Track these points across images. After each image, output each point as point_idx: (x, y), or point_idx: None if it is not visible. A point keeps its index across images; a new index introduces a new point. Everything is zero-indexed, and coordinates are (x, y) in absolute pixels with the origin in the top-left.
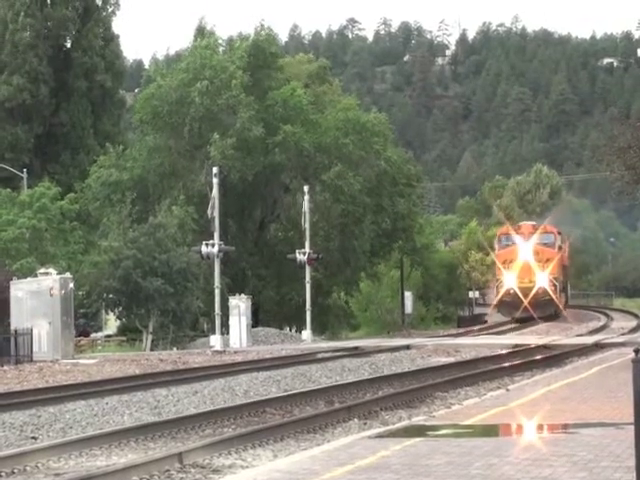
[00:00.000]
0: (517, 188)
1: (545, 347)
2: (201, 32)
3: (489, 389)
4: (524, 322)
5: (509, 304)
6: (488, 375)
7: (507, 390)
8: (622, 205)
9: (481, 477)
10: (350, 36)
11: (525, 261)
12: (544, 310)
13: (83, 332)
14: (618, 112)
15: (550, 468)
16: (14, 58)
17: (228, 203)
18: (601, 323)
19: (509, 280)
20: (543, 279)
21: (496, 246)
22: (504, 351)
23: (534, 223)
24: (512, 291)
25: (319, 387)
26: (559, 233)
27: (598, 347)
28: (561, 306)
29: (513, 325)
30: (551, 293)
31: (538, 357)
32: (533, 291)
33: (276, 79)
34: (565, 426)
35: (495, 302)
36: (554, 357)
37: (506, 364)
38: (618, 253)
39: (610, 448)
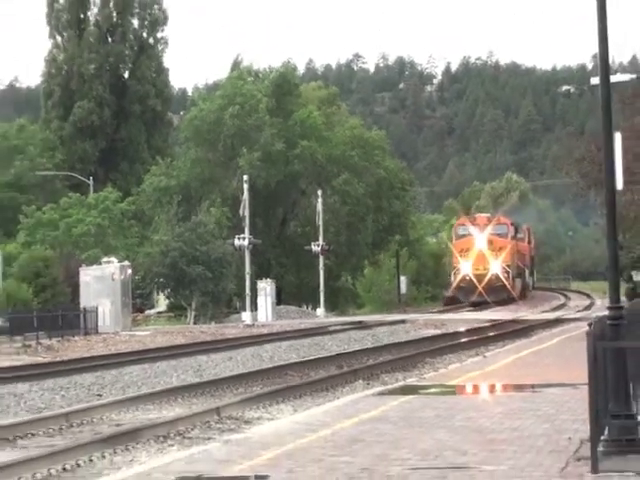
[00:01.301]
0: (492, 192)
1: (514, 321)
2: (237, 65)
3: (469, 356)
4: (478, 305)
5: (465, 289)
6: (468, 344)
7: (484, 357)
8: (578, 205)
9: (463, 427)
10: (355, 68)
11: (480, 250)
12: (497, 295)
13: (139, 309)
14: (574, 130)
15: (519, 420)
16: (82, 86)
17: (256, 204)
18: (561, 302)
19: (465, 267)
20: (496, 266)
21: (453, 236)
22: (481, 325)
23: (489, 215)
24: (468, 277)
25: (330, 354)
26: (512, 224)
27: (558, 321)
28: (514, 292)
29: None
30: (503, 279)
31: (509, 330)
32: (487, 277)
33: (295, 103)
34: (531, 386)
35: (452, 287)
36: (522, 330)
37: (483, 335)
38: (574, 245)
39: (569, 404)
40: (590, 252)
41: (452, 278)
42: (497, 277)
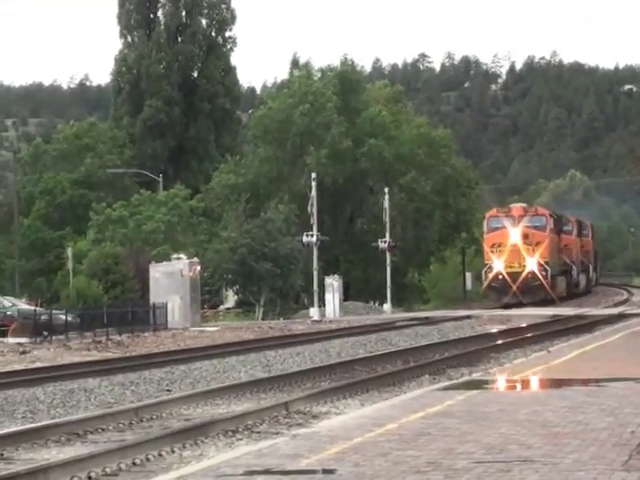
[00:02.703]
0: (556, 189)
1: (578, 317)
2: (295, 64)
3: (534, 351)
4: (511, 307)
5: (497, 289)
6: (533, 339)
7: (548, 352)
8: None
9: (527, 421)
10: (421, 67)
11: (514, 244)
12: (533, 295)
13: (214, 305)
14: (637, 129)
15: (583, 414)
16: (151, 86)
17: (323, 202)
18: (624, 298)
19: (497, 264)
20: (532, 263)
21: (485, 229)
22: (545, 320)
23: (525, 205)
24: (500, 276)
25: (397, 349)
26: (551, 216)
27: (622, 317)
28: (553, 292)
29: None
30: (541, 278)
31: (573, 325)
32: (522, 276)
33: (361, 101)
34: (596, 380)
35: (484, 287)
36: (586, 325)
37: (547, 330)
38: (637, 241)
39: (631, 398)
40: None
41: (483, 276)
42: (534, 275)
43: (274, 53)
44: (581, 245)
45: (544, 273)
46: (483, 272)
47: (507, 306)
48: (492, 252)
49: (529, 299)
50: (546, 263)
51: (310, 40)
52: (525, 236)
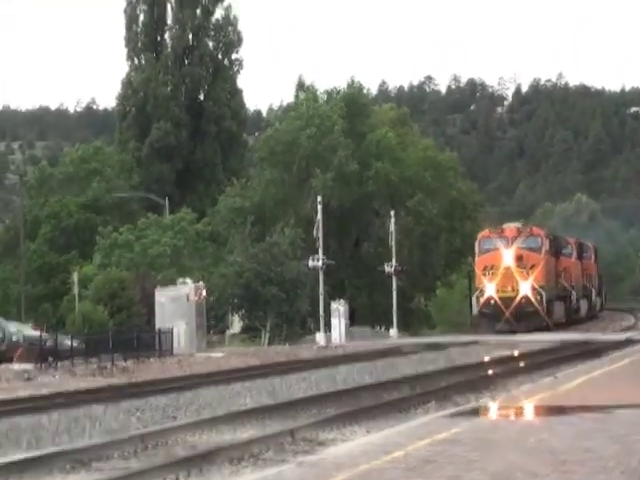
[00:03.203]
0: (562, 213)
1: (585, 342)
2: (301, 86)
3: (541, 377)
4: (504, 333)
5: (489, 315)
6: (540, 365)
7: (555, 378)
8: None
9: (534, 449)
10: (427, 90)
11: (507, 267)
12: (528, 322)
13: (221, 330)
14: None
15: (590, 441)
16: (158, 108)
17: (329, 225)
18: (631, 323)
19: (489, 289)
20: (526, 287)
21: (477, 251)
22: (553, 346)
23: (519, 225)
24: (492, 301)
25: (404, 375)
26: (547, 237)
27: (629, 342)
28: (548, 318)
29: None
30: (535, 303)
31: (580, 351)
32: (515, 301)
33: (367, 124)
34: (603, 407)
35: (475, 312)
36: (593, 350)
37: (554, 356)
38: None
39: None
40: None
41: (474, 302)
42: (528, 301)
43: (280, 75)
44: (582, 268)
45: (539, 298)
46: (474, 297)
47: (500, 332)
48: (484, 275)
49: (523, 327)
50: (541, 287)
51: (316, 63)
52: (519, 258)
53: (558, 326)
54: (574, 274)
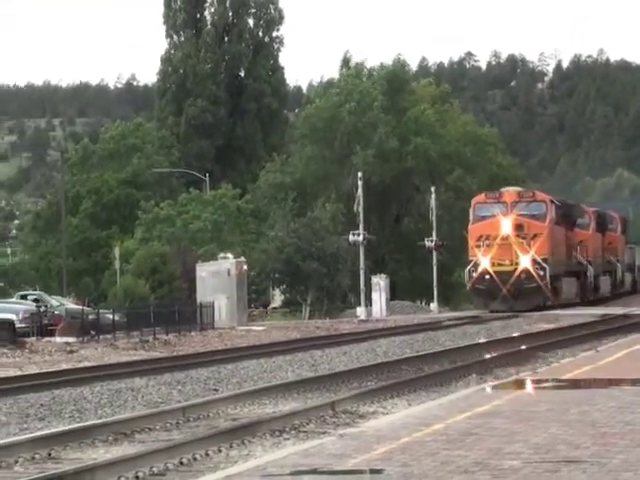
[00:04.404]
0: (602, 188)
1: (625, 316)
2: (346, 63)
3: (582, 350)
4: (500, 312)
5: (483, 292)
6: (581, 339)
7: (597, 351)
8: None
9: (576, 421)
10: (467, 66)
11: (505, 237)
12: (529, 300)
13: (264, 304)
14: None
15: (632, 414)
16: (197, 85)
17: (370, 201)
18: None
19: (484, 262)
20: (527, 260)
21: (471, 218)
22: (594, 319)
23: (520, 189)
24: (487, 275)
25: (444, 349)
26: (554, 203)
27: None
28: (554, 297)
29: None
30: (537, 278)
31: (621, 324)
32: (514, 276)
33: (408, 100)
34: None
35: (468, 288)
36: (634, 324)
37: (595, 330)
38: None
39: None
40: None
41: (466, 276)
42: (529, 275)
43: (321, 51)
44: (605, 241)
45: (541, 273)
46: (466, 271)
47: (495, 311)
48: (478, 247)
49: (522, 305)
50: (544, 260)
51: (356, 39)
52: (519, 227)
53: (570, 306)
54: (592, 247)
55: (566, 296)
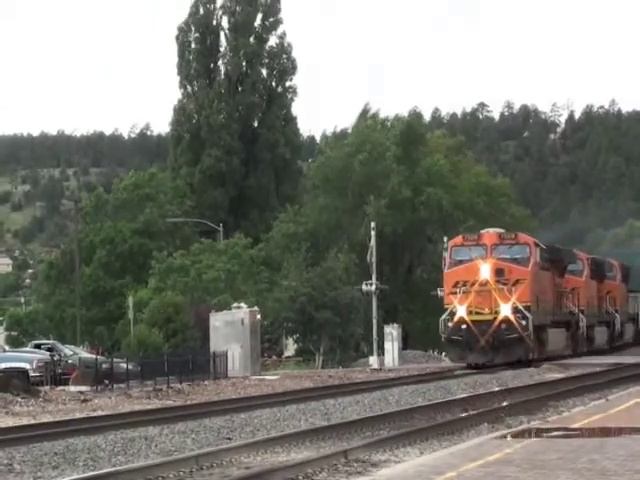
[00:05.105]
0: (614, 239)
1: (637, 365)
2: (365, 114)
3: (592, 399)
4: (480, 368)
5: (460, 343)
6: (591, 388)
7: (607, 400)
8: None
9: (586, 470)
10: (480, 116)
11: (483, 283)
12: (509, 353)
13: (278, 353)
14: None
15: None
16: (211, 135)
17: (383, 251)
18: None
19: (460, 310)
20: (507, 308)
21: (447, 262)
22: (604, 369)
23: (501, 231)
24: (464, 325)
25: (456, 397)
26: (538, 246)
27: None
28: (537, 349)
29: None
30: (518, 329)
31: (632, 373)
32: (493, 326)
33: (422, 152)
34: None
35: (444, 339)
36: None
37: (606, 379)
38: None
39: None
40: None
41: (441, 326)
42: (510, 325)
43: (334, 102)
44: (601, 290)
45: (524, 322)
46: (441, 320)
47: (473, 367)
48: (454, 293)
49: (503, 357)
50: (527, 308)
51: (369, 89)
52: (499, 272)
53: (561, 358)
54: (585, 295)
55: (553, 348)
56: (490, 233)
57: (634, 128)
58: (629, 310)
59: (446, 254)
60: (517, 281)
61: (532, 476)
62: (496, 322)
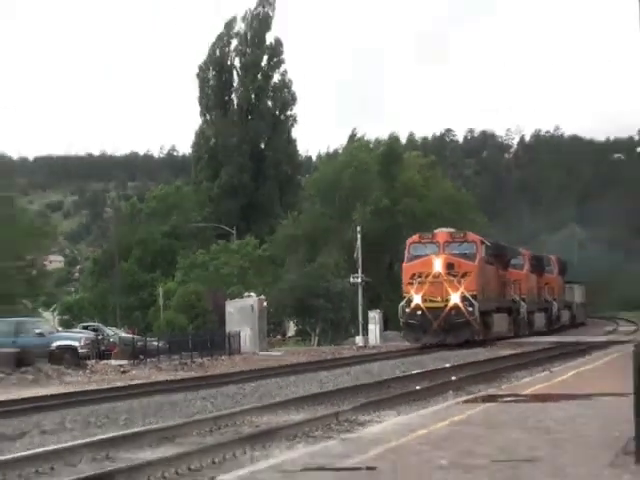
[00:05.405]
0: (558, 240)
1: (577, 343)
2: (352, 137)
3: (538, 371)
4: (432, 347)
5: (415, 327)
6: (537, 362)
7: (550, 372)
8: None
9: (533, 428)
10: (447, 139)
11: (436, 275)
12: (458, 335)
13: (283, 333)
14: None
15: (578, 422)
16: (226, 156)
17: (367, 250)
18: (612, 328)
19: (416, 298)
20: (457, 297)
21: (405, 257)
22: (549, 346)
23: (452, 230)
24: (419, 311)
25: (426, 370)
26: (483, 243)
27: (611, 343)
28: (483, 331)
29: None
30: (466, 314)
31: (572, 350)
32: (444, 312)
33: (400, 169)
34: (589, 395)
35: (402, 324)
36: (582, 350)
37: (550, 354)
38: (626, 280)
39: (617, 409)
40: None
41: (400, 312)
42: (458, 311)
43: (327, 127)
44: (541, 281)
45: (470, 309)
46: (400, 307)
47: (429, 347)
48: (411, 284)
49: (452, 339)
50: (473, 297)
51: (357, 115)
52: (449, 265)
53: (503, 339)
54: (525, 286)
55: (498, 330)
56: (443, 232)
57: (574, 148)
58: (566, 298)
59: (405, 250)
60: (465, 274)
61: (489, 433)
62: (447, 309)
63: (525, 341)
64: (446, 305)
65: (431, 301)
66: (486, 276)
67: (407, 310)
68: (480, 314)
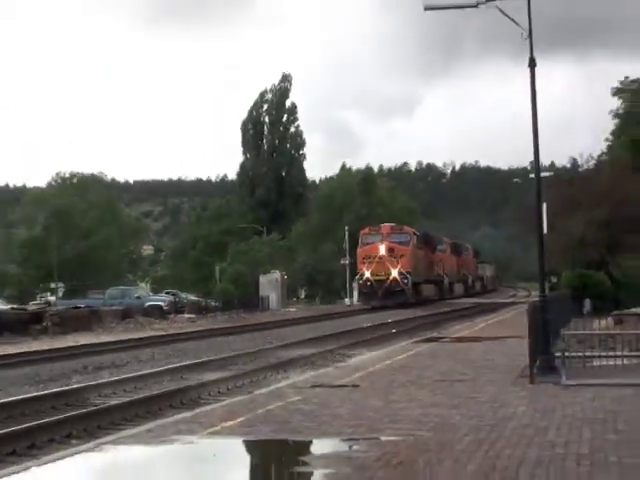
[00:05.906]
0: (475, 237)
1: (492, 303)
2: (343, 167)
3: (465, 322)
4: (379, 309)
5: (366, 294)
6: (465, 315)
7: (472, 322)
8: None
9: (461, 359)
10: (404, 170)
11: (381, 257)
12: (396, 299)
13: (297, 297)
14: (520, 206)
15: (492, 355)
16: (259, 181)
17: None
18: (513, 294)
19: (367, 274)
20: (395, 272)
21: (359, 243)
22: (472, 305)
23: (393, 224)
24: (369, 282)
25: (389, 321)
26: (415, 234)
27: (513, 304)
28: (415, 297)
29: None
30: (401, 284)
31: (486, 308)
32: (386, 283)
33: (373, 189)
34: (498, 337)
35: (357, 292)
36: (494, 308)
37: (473, 311)
38: (520, 258)
39: (518, 347)
40: (532, 263)
41: (355, 284)
42: (396, 282)
43: (326, 160)
44: (459, 261)
45: (405, 281)
46: (355, 279)
47: (375, 308)
48: (363, 263)
49: (391, 302)
50: (407, 273)
51: (345, 151)
52: (390, 250)
53: (431, 302)
54: (447, 265)
55: (427, 294)
56: (386, 226)
57: (487, 175)
58: (478, 273)
59: (359, 239)
60: (401, 255)
61: (433, 361)
62: (388, 281)
63: (454, 302)
64: (388, 278)
65: (377, 275)
66: (417, 257)
67: (360, 282)
68: (413, 284)
